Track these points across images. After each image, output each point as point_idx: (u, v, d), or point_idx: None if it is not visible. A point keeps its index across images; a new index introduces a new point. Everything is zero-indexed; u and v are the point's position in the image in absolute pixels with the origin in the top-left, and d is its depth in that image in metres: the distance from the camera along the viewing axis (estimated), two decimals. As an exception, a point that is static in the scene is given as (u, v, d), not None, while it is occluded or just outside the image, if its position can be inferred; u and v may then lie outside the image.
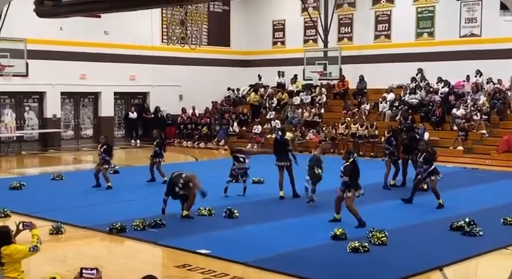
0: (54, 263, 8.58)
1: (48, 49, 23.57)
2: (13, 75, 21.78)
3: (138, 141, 26.47)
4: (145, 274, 4.49)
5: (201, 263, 8.52)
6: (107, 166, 14.44)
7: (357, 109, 24.32)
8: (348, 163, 10.44)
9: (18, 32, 21.81)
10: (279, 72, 28.27)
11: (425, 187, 13.46)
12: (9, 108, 23.89)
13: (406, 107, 22.76)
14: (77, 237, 10.32)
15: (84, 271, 4.57)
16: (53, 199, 13.33)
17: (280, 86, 28.15)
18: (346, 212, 10.68)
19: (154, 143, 15.63)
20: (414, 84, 24.14)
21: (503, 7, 22.26)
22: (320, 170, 12.05)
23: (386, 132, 15.87)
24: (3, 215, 11.24)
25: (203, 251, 8.97)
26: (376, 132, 21.60)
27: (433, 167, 12.41)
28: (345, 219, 10.81)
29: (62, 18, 19.75)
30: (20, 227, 6.54)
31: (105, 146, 14.54)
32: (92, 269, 4.57)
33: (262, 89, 28.36)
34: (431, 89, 23.37)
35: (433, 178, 12.35)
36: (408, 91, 23.85)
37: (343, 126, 22.95)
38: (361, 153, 21.31)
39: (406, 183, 14.54)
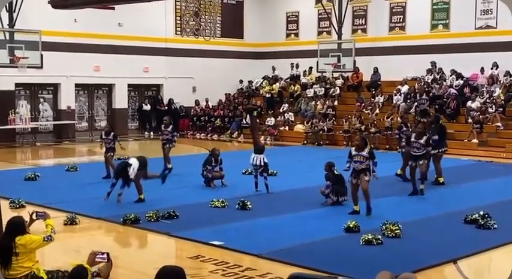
0: (69, 253, 8.64)
1: (62, 41, 23.67)
2: (28, 67, 21.90)
3: (151, 133, 26.57)
4: (159, 265, 4.50)
5: (214, 254, 8.54)
6: (112, 154, 14.51)
7: (369, 102, 24.23)
8: (370, 148, 10.80)
9: (33, 23, 21.92)
10: (291, 64, 28.18)
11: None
12: (24, 99, 24.05)
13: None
14: (91, 228, 10.39)
15: (98, 255, 4.80)
16: (68, 190, 13.42)
17: (293, 78, 28.07)
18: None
19: (169, 129, 15.54)
20: (430, 77, 23.94)
21: (520, -2, 21.98)
22: None
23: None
24: (18, 206, 11.33)
25: (216, 243, 8.99)
26: (387, 124, 21.54)
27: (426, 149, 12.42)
28: (362, 210, 10.79)
29: (76, 10, 19.83)
30: (34, 216, 6.58)
31: (113, 133, 14.66)
32: (102, 253, 4.78)
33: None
34: (444, 83, 23.16)
35: (421, 162, 12.38)
36: (423, 83, 23.61)
37: (355, 118, 22.85)
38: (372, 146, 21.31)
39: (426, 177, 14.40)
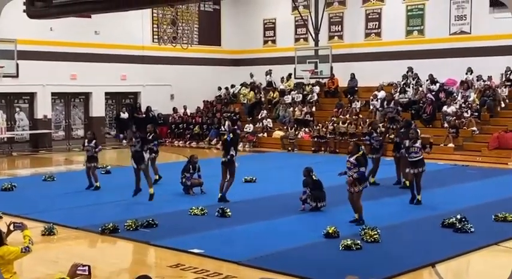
0: (47, 264, 8.57)
1: (38, 50, 23.47)
2: (3, 76, 21.70)
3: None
4: (138, 274, 4.51)
5: (194, 262, 8.52)
6: (95, 164, 14.37)
7: (345, 108, 24.42)
8: (359, 155, 10.43)
9: (8, 32, 21.71)
10: (270, 70, 28.23)
11: (407, 183, 13.35)
12: (-1, 109, 23.80)
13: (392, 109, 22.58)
14: (69, 238, 10.29)
15: (79, 268, 4.81)
16: (45, 199, 13.28)
17: (269, 85, 28.20)
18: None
19: (149, 138, 15.38)
20: (404, 82, 24.19)
21: (493, 4, 22.36)
22: None
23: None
24: (-6, 217, 11.20)
25: (196, 251, 8.98)
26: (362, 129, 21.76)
27: (421, 156, 12.37)
28: (341, 215, 10.82)
29: (52, 19, 19.69)
30: (11, 227, 6.50)
31: (94, 141, 14.47)
32: (83, 266, 4.79)
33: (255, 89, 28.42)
34: (420, 88, 23.44)
35: (420, 169, 12.32)
36: (398, 89, 23.89)
37: (331, 124, 22.99)
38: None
39: (401, 181, 14.48)
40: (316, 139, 23.01)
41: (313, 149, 22.94)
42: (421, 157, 12.40)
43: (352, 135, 22.05)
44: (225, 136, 13.07)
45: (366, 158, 10.69)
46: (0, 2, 9.07)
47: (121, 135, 15.32)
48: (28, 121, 24.69)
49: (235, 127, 14.48)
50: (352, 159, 10.44)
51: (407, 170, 12.73)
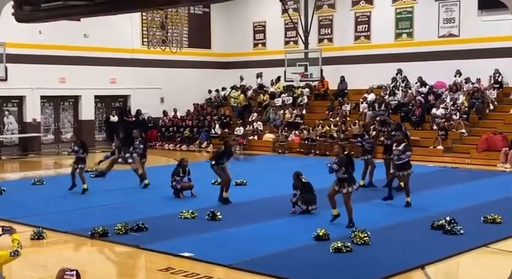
0: (36, 268, 8.53)
1: (27, 53, 23.37)
2: (-8, 79, 21.59)
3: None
4: None
5: (185, 266, 8.50)
6: (82, 166, 14.29)
7: (336, 110, 24.48)
8: (342, 155, 10.51)
9: (-3, 35, 21.62)
10: (261, 73, 28.27)
11: (402, 184, 13.43)
12: (-12, 112, 23.68)
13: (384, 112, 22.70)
14: (59, 243, 10.25)
15: (66, 273, 4.76)
16: (34, 203, 13.21)
17: (260, 87, 28.23)
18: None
19: (136, 143, 15.41)
20: (393, 85, 24.30)
21: (481, 7, 22.52)
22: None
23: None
24: (-17, 221, 11.12)
25: (186, 254, 8.96)
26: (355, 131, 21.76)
27: (407, 157, 12.39)
28: (331, 218, 10.83)
29: (41, 23, 19.61)
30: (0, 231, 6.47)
31: (78, 141, 14.44)
32: (71, 270, 4.75)
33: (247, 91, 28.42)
34: (409, 90, 23.56)
35: (405, 172, 12.36)
36: (388, 92, 24.01)
37: (319, 127, 23.04)
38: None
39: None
40: (306, 142, 23.06)
41: (302, 151, 22.99)
42: (406, 159, 12.45)
43: (343, 139, 22.09)
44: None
45: (351, 159, 10.65)
46: (0, 2, 9.02)
47: (109, 154, 15.54)
48: (17, 124, 24.57)
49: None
50: (335, 159, 10.54)
51: (391, 170, 12.79)
